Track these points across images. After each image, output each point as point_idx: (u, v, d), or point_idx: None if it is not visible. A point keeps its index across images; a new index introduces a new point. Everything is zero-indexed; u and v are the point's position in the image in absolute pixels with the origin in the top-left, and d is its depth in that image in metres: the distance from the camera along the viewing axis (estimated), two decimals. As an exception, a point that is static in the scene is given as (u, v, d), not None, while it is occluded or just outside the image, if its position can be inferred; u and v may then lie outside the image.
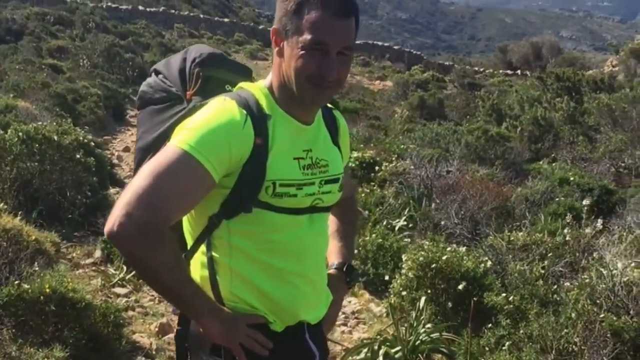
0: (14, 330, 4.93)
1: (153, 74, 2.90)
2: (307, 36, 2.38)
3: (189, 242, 2.60)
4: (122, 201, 2.23)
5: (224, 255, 2.51)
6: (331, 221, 2.98)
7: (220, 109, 2.42)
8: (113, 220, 2.22)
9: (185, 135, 2.35)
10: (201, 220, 2.52)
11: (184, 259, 2.49)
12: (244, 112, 2.42)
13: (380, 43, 62.62)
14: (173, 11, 59.11)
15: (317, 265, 2.70)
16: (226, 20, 61.95)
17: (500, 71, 49.05)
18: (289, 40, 2.43)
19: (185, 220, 2.59)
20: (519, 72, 47.23)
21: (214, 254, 2.52)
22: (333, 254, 2.98)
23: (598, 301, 5.83)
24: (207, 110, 2.44)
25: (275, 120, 2.49)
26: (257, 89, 2.55)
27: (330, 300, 2.85)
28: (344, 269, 2.96)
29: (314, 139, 2.62)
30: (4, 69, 24.92)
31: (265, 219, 2.48)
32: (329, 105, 2.77)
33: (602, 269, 6.11)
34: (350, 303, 8.02)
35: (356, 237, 3.42)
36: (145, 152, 2.71)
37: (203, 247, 2.54)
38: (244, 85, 2.59)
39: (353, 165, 12.61)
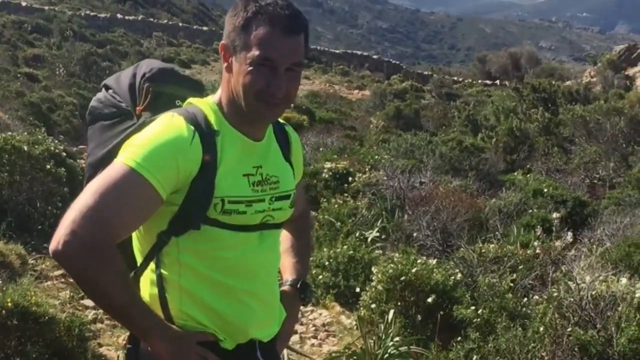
0: (-25, 345, 4.87)
1: (103, 89, 2.86)
2: (255, 52, 2.35)
3: (139, 260, 2.56)
4: (67, 219, 2.19)
5: (173, 273, 2.48)
6: (285, 237, 2.95)
7: (167, 125, 2.39)
8: (58, 238, 2.18)
9: (131, 152, 2.32)
10: (150, 237, 2.48)
11: (130, 277, 2.45)
12: (192, 128, 2.38)
13: (359, 52, 62.93)
14: (152, 19, 59.04)
15: (268, 283, 2.67)
16: (205, 28, 61.99)
17: (479, 81, 49.30)
18: (237, 56, 2.41)
19: (134, 237, 2.55)
20: (497, 82, 47.45)
21: (163, 271, 2.49)
22: (287, 271, 2.95)
23: (566, 315, 5.83)
24: (154, 126, 2.41)
25: (223, 137, 2.46)
26: (206, 104, 2.52)
27: (283, 317, 2.81)
28: (298, 285, 2.92)
29: (264, 155, 2.59)
30: (-22, 77, 24.80)
31: (214, 236, 2.45)
32: (280, 120, 2.74)
33: (570, 283, 6.11)
34: (321, 315, 7.98)
35: (311, 253, 3.40)
36: (94, 169, 2.65)
37: (152, 265, 2.51)
38: (193, 100, 2.56)
39: (326, 176, 12.61)
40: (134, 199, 2.28)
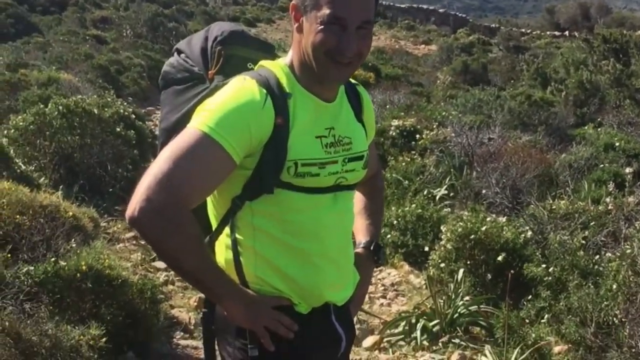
0: (51, 308, 4.95)
1: (175, 53, 2.87)
2: (325, 11, 2.32)
3: (213, 225, 2.57)
4: (143, 185, 2.21)
5: (247, 237, 2.49)
6: (358, 199, 2.95)
7: (239, 89, 2.38)
8: (134, 205, 2.19)
9: (204, 116, 2.32)
10: (224, 202, 2.50)
11: (205, 243, 2.46)
12: (264, 91, 2.37)
13: (425, 6, 62.08)
14: (217, -22, 59.05)
15: (342, 245, 2.66)
16: (270, -14, 61.75)
17: (548, 33, 48.33)
18: (307, 15, 2.38)
19: (209, 202, 2.57)
20: (566, 33, 46.50)
21: (237, 236, 2.50)
22: (360, 233, 2.94)
23: (640, 272, 5.73)
24: (226, 90, 2.40)
25: (296, 99, 2.44)
26: (278, 67, 2.50)
27: (357, 280, 2.81)
28: (372, 247, 2.91)
29: (336, 116, 2.57)
30: (48, 40, 25.15)
31: (288, 200, 2.45)
32: (352, 80, 2.71)
33: (644, 239, 5.99)
34: (390, 275, 7.99)
35: (384, 213, 3.39)
36: (169, 133, 2.66)
37: (227, 230, 2.52)
38: (265, 63, 2.54)
39: (393, 133, 12.54)
40: (207, 163, 2.28)
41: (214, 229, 2.57)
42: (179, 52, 2.84)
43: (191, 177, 2.25)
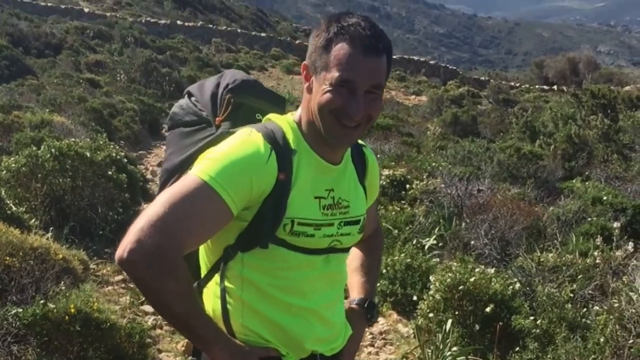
0: (38, 350, 4.96)
1: (186, 96, 2.89)
2: (334, 73, 2.34)
3: (203, 271, 2.58)
4: (135, 227, 2.20)
5: (236, 287, 2.49)
6: (356, 255, 2.96)
7: (245, 141, 2.39)
8: (124, 246, 2.18)
9: (206, 165, 2.33)
10: (217, 250, 2.50)
11: (195, 289, 2.45)
12: (269, 145, 2.38)
13: (416, 58, 62.56)
14: (211, 26, 59.51)
15: (329, 303, 2.66)
16: (263, 34, 62.22)
17: (537, 86, 48.74)
18: (317, 76, 2.40)
19: (201, 248, 2.57)
20: (555, 87, 46.88)
21: (227, 284, 2.50)
22: (355, 289, 2.95)
23: (627, 326, 5.75)
24: (231, 141, 2.41)
25: (300, 156, 2.46)
26: (285, 122, 2.52)
27: (348, 333, 2.81)
28: (365, 305, 2.91)
29: (338, 178, 2.57)
30: (42, 83, 25.23)
31: (281, 256, 2.46)
32: (360, 142, 2.74)
33: (632, 293, 6.03)
34: (378, 323, 7.97)
35: (379, 270, 3.40)
36: (170, 174, 2.71)
37: (217, 277, 2.52)
38: (273, 117, 2.56)
39: (384, 183, 12.58)
40: (203, 212, 2.28)
41: (202, 275, 2.57)
42: (190, 95, 2.87)
43: (186, 224, 2.24)
